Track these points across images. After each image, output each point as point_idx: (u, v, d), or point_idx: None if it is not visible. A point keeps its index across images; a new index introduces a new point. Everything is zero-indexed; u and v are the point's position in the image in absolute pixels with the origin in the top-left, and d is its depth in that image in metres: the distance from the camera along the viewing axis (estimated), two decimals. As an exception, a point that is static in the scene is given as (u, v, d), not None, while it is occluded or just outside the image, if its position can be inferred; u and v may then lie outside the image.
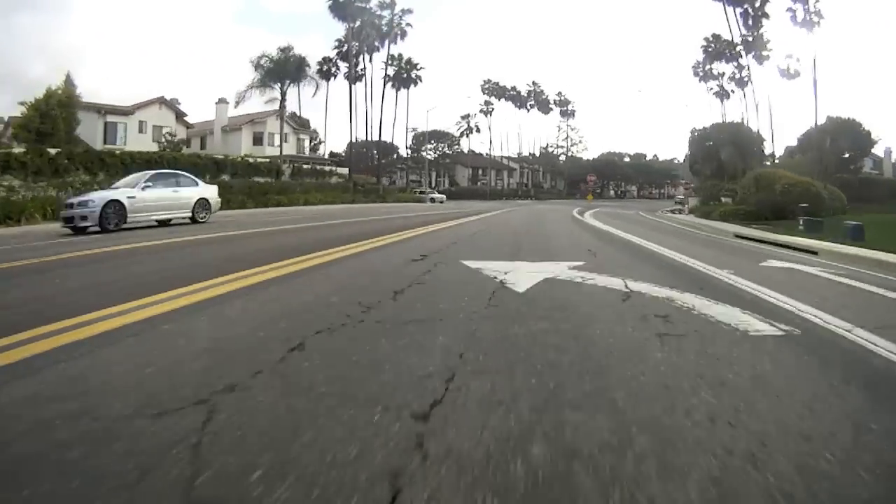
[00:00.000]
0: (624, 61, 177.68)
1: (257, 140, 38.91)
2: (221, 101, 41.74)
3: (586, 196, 43.35)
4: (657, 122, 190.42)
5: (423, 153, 72.96)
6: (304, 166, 35.99)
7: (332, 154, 52.15)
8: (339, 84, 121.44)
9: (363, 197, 33.49)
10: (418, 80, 55.03)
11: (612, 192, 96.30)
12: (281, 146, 33.43)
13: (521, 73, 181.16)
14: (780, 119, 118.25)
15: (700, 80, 54.99)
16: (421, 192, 49.11)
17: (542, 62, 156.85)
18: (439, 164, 72.96)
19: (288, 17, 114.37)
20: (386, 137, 65.97)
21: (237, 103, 37.31)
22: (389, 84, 53.34)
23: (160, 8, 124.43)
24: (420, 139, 72.63)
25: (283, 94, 32.57)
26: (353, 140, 50.13)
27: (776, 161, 63.40)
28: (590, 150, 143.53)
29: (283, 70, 31.96)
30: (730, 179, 52.06)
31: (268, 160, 32.64)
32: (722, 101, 51.72)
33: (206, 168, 27.25)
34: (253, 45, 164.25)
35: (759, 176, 24.97)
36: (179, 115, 40.88)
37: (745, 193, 24.85)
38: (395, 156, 77.66)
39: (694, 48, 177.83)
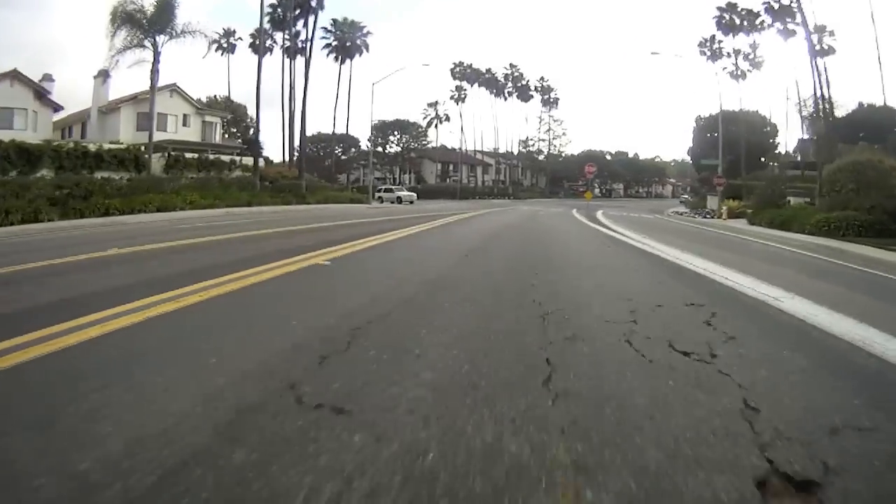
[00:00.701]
0: (610, 51, 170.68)
1: (143, 124, 28.84)
2: (101, 74, 31.52)
3: (583, 194, 34.29)
4: (642, 118, 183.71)
5: (386, 146, 63.51)
6: (189, 156, 26.18)
7: (243, 141, 41.75)
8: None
9: (271, 197, 23.86)
10: (364, 49, 45.56)
11: (597, 191, 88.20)
12: (152, 130, 23.52)
13: (498, 58, 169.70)
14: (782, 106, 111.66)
15: (708, 59, 46.45)
16: (386, 191, 39.62)
17: (521, 47, 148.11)
18: (404, 159, 63.63)
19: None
20: (341, 129, 56.61)
21: (106, 75, 27.41)
22: (332, 56, 43.76)
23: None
24: (381, 130, 63.14)
25: (157, 54, 22.76)
26: (289, 127, 40.44)
27: (788, 154, 55.94)
28: (573, 145, 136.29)
29: (152, 20, 22.18)
30: (742, 175, 43.92)
31: (123, 147, 22.93)
32: (738, 80, 43.40)
33: (5, 160, 17.50)
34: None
35: (858, 166, 16.11)
36: (41, 94, 30.58)
37: (836, 191, 16.05)
38: (353, 150, 68.07)
39: (693, 32, 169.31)
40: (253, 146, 31.03)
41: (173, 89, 31.41)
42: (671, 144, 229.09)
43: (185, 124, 32.05)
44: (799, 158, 52.92)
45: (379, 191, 39.52)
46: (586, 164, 31.34)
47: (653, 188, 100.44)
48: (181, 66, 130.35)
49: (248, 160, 29.35)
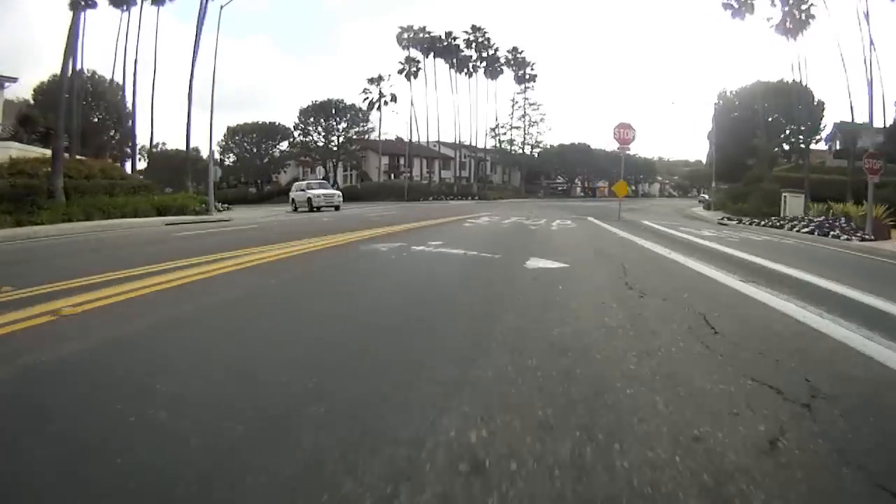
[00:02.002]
0: (599, 27, 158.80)
1: None
2: None
3: (613, 190, 19.61)
4: (639, 113, 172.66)
5: (312, 134, 49.47)
6: None
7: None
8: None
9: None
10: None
11: (578, 190, 75.86)
12: None
13: (461, 23, 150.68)
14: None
15: (733, 16, 33.66)
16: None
17: (490, 15, 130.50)
18: (340, 152, 49.69)
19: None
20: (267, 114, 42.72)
21: None
22: None
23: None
24: (309, 114, 49.12)
25: None
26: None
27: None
28: (553, 136, 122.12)
29: None
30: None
31: None
32: (788, 37, 30.85)
33: None
34: None
35: None
36: None
37: None
38: (278, 140, 53.85)
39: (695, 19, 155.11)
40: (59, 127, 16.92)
41: None
42: (671, 144, 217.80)
43: None
44: (838, 146, 41.22)
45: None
46: (618, 128, 17.48)
47: (639, 187, 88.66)
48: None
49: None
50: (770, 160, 31.96)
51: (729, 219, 21.55)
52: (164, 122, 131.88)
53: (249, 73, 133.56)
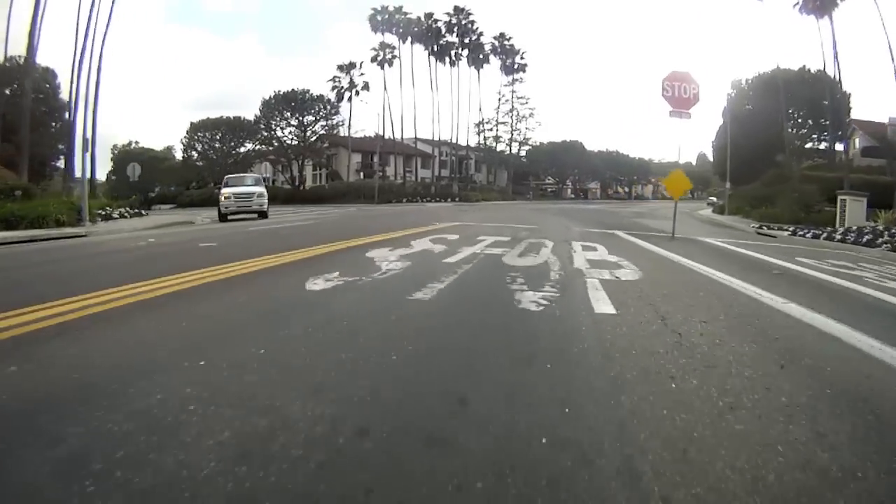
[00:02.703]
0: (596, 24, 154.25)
1: None
2: None
3: (671, 190, 14.17)
4: (638, 113, 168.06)
5: (276, 129, 44.24)
6: None
7: None
8: None
9: None
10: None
11: (570, 192, 71.39)
12: None
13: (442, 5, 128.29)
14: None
15: None
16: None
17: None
18: (305, 149, 44.43)
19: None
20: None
21: None
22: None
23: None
24: (272, 107, 43.91)
25: None
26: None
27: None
28: (543, 133, 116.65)
29: None
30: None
31: None
32: (818, 15, 26.49)
33: None
34: None
35: None
36: None
37: None
38: (244, 137, 48.45)
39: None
40: None
41: None
42: (659, 146, 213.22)
43: None
44: (858, 144, 36.95)
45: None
46: (671, 80, 11.24)
47: (632, 188, 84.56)
48: None
49: None
50: (800, 157, 27.45)
51: (768, 227, 16.88)
52: (140, 121, 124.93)
53: (234, 74, 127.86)
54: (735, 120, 32.78)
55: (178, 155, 57.87)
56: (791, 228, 16.01)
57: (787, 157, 28.28)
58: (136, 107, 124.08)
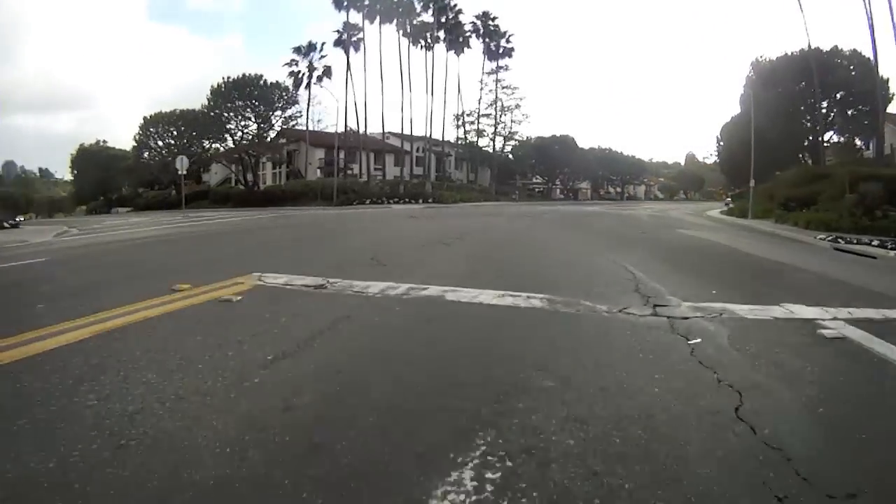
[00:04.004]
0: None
1: None
2: None
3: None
4: (636, 110, 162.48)
5: (231, 121, 38.64)
6: None
7: None
8: None
9: None
10: None
11: (559, 192, 66.43)
12: None
13: None
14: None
15: None
16: None
17: None
18: (264, 144, 38.92)
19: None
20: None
21: None
22: None
23: None
24: (223, 95, 38.33)
25: None
26: None
27: None
28: (530, 127, 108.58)
29: None
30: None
31: None
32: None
33: None
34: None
35: None
36: None
37: None
38: (201, 129, 42.72)
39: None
40: None
41: None
42: (671, 145, 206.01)
43: None
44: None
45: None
46: None
47: (625, 189, 79.78)
48: None
49: None
50: (848, 151, 22.61)
51: (843, 239, 11.86)
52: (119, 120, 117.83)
53: (222, 73, 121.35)
54: (757, 107, 27.94)
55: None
56: (874, 241, 11.07)
57: (818, 152, 23.43)
58: (113, 107, 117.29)
